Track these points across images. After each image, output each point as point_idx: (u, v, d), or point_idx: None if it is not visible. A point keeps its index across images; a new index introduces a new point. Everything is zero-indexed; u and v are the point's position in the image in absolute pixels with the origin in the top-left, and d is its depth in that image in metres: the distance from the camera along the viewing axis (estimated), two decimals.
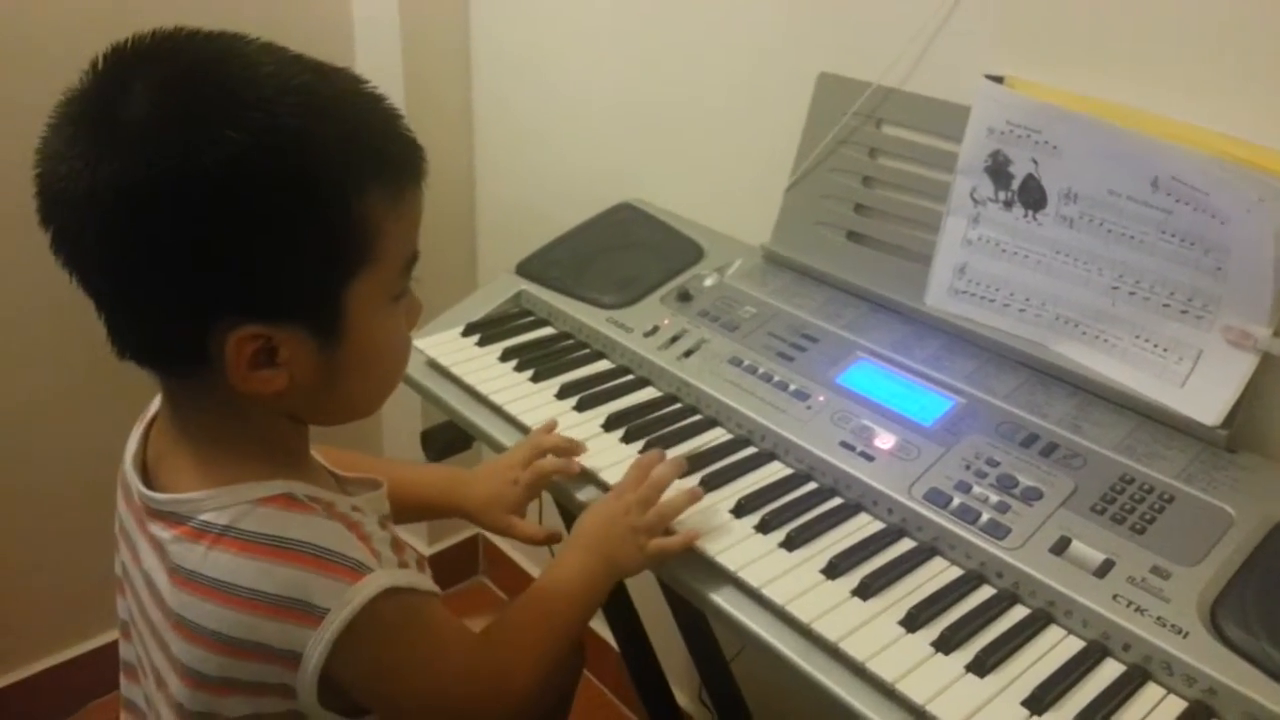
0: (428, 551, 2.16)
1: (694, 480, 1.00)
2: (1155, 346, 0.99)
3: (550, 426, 1.08)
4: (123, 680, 0.88)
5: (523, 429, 1.11)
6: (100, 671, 1.84)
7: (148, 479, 0.79)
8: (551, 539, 1.04)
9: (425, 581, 0.80)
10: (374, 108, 0.73)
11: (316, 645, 0.71)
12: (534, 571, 2.14)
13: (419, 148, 0.75)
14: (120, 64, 0.68)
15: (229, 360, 0.70)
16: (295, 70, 0.69)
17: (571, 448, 1.05)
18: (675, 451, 1.04)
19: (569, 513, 1.09)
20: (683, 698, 1.71)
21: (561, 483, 1.05)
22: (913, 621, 0.83)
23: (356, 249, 0.71)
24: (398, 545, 0.82)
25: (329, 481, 0.85)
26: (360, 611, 0.72)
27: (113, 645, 0.89)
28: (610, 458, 1.05)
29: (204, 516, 0.73)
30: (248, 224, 0.67)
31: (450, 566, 2.20)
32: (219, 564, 0.72)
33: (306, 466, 0.83)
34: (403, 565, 0.80)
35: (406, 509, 1.03)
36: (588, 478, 1.04)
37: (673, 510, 0.94)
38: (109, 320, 0.72)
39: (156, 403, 0.83)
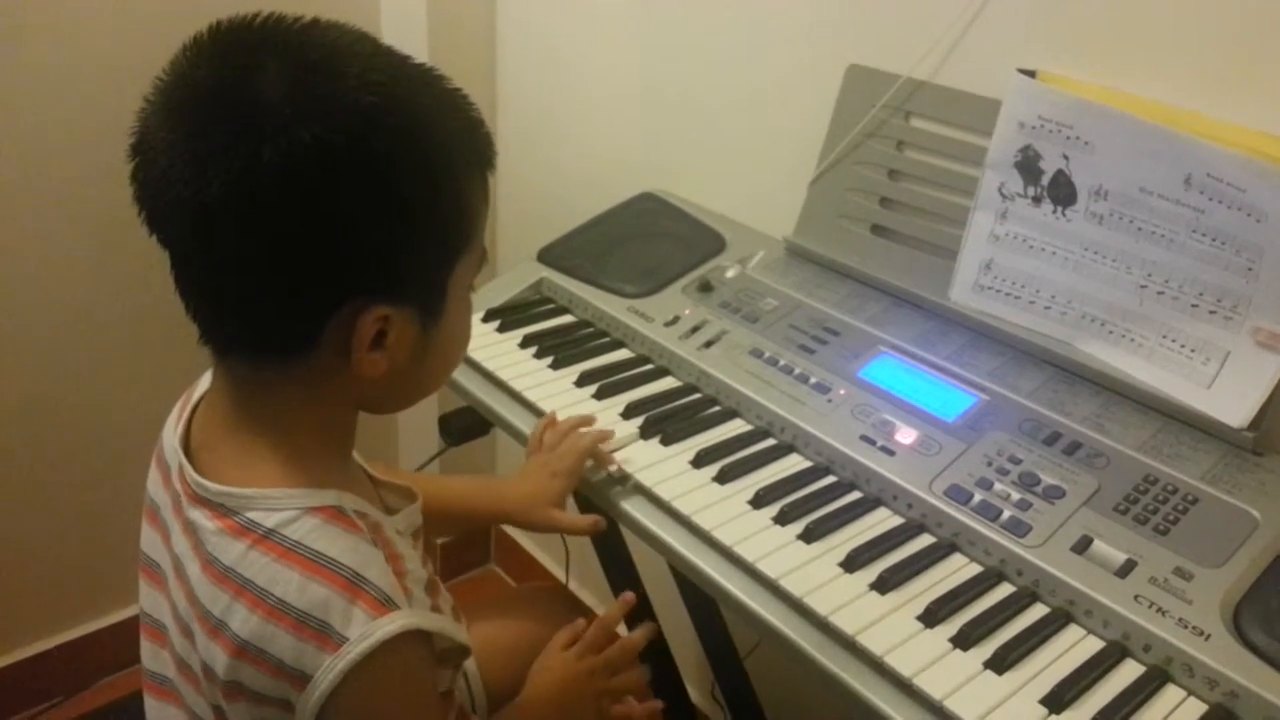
0: (439, 540, 2.16)
1: (714, 472, 0.99)
2: (1182, 347, 0.98)
3: (549, 422, 1.08)
4: (147, 699, 0.87)
5: (542, 416, 1.11)
6: (115, 647, 1.86)
7: (192, 464, 0.78)
8: (596, 527, 1.03)
9: (459, 633, 0.79)
10: (466, 100, 0.74)
11: (329, 672, 0.70)
12: (544, 560, 2.14)
13: (493, 140, 0.77)
14: (240, 48, 0.67)
15: (357, 340, 0.70)
16: (403, 61, 0.71)
17: (603, 437, 1.05)
18: (695, 441, 1.04)
19: (584, 498, 1.08)
20: (695, 693, 1.70)
21: (590, 477, 1.04)
22: (931, 617, 0.82)
23: (463, 234, 0.74)
24: (434, 588, 0.81)
25: (367, 486, 0.84)
26: (378, 647, 0.70)
27: (129, 621, 0.88)
28: (629, 448, 1.04)
29: (251, 514, 0.72)
30: (389, 204, 0.68)
31: (462, 555, 2.20)
32: (255, 566, 0.71)
33: (352, 465, 0.82)
34: (435, 609, 0.79)
35: (445, 520, 1.03)
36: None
37: (637, 685, 0.95)
38: (205, 307, 0.72)
39: (201, 386, 0.82)
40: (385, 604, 0.72)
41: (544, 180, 1.83)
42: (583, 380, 1.15)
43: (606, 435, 1.05)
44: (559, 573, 1.97)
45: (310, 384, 0.73)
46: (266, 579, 0.71)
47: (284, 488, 0.73)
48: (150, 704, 0.86)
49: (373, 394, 0.78)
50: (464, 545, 2.20)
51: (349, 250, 0.68)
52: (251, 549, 0.71)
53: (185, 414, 0.81)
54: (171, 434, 0.81)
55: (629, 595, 1.02)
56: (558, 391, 1.13)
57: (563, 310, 1.30)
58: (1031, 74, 1.05)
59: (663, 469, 1.01)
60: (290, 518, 0.72)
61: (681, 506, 0.95)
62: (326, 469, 0.76)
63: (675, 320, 1.20)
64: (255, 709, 0.74)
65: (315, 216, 0.66)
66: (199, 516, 0.74)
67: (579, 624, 0.99)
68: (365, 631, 0.70)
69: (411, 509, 0.86)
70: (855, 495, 0.97)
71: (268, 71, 0.65)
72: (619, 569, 1.36)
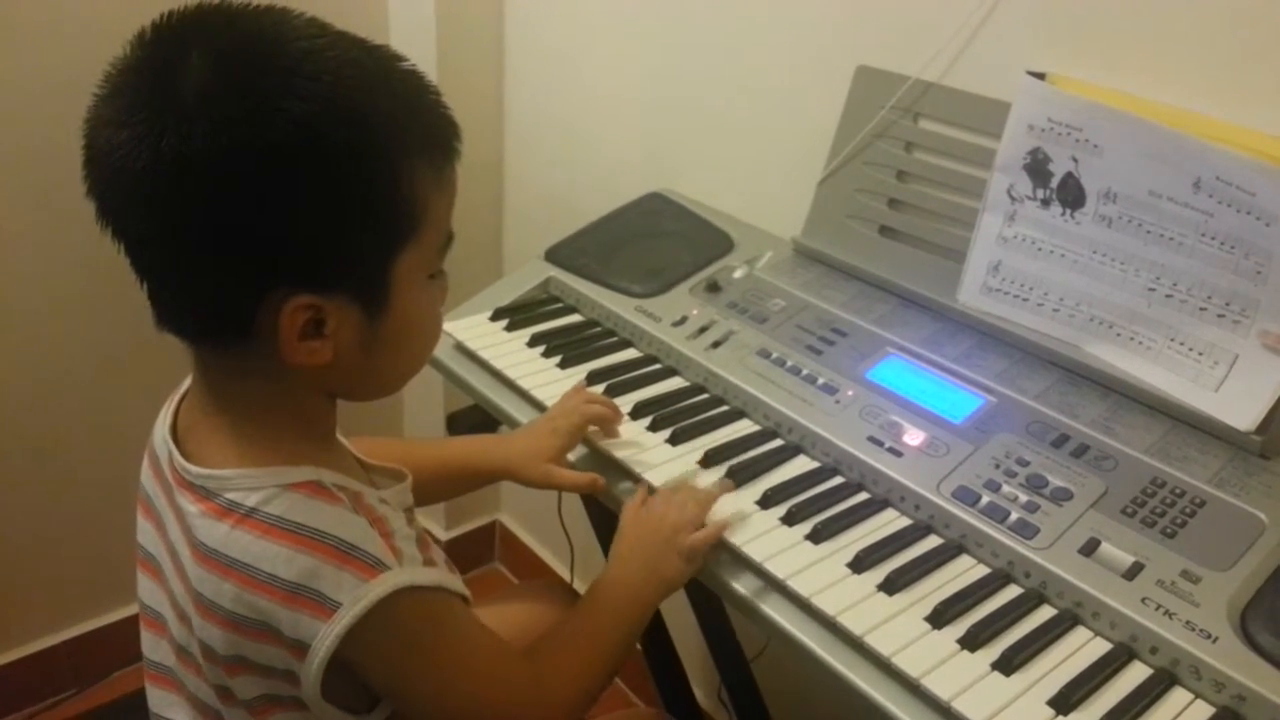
0: (444, 538, 2.17)
1: (721, 472, 1.00)
2: (1190, 350, 0.98)
3: (581, 388, 1.10)
4: (148, 687, 0.87)
5: None
6: (127, 641, 1.86)
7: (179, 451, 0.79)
8: (594, 485, 1.02)
9: (454, 583, 0.79)
10: (418, 84, 0.74)
11: (325, 639, 0.71)
12: (549, 558, 2.14)
13: (457, 125, 0.76)
14: (173, 35, 0.68)
15: (281, 331, 0.70)
16: (347, 44, 0.70)
17: (614, 417, 1.06)
18: (701, 441, 1.05)
19: (596, 502, 1.09)
20: (701, 695, 1.70)
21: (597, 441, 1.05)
22: (939, 618, 0.83)
23: (405, 222, 0.72)
24: (423, 543, 0.81)
25: (355, 468, 0.85)
26: (373, 608, 0.71)
27: (137, 617, 0.89)
28: (636, 445, 1.05)
29: (231, 495, 0.73)
30: (308, 194, 0.67)
31: (466, 553, 2.20)
32: (240, 544, 0.72)
33: (334, 448, 0.83)
34: (428, 563, 0.79)
35: (445, 480, 1.04)
36: (615, 467, 1.04)
37: (709, 499, 0.94)
38: (154, 291, 0.73)
39: (188, 381, 0.83)
40: (375, 566, 0.73)
41: (552, 180, 1.83)
42: (590, 379, 1.15)
43: (617, 417, 1.06)
44: (563, 571, 1.98)
45: (270, 369, 0.74)
46: (253, 556, 0.72)
47: (260, 467, 0.74)
48: (152, 693, 0.87)
49: (333, 382, 0.78)
50: (467, 543, 2.21)
51: (259, 241, 0.68)
52: (235, 529, 0.73)
53: (174, 404, 0.83)
54: (161, 424, 0.82)
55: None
56: (566, 390, 1.13)
57: (570, 309, 1.30)
58: (1041, 76, 1.05)
59: (670, 469, 1.01)
60: (270, 495, 0.73)
61: None
62: (302, 448, 0.77)
63: (683, 320, 1.21)
64: (263, 680, 0.75)
65: (217, 208, 0.66)
66: (184, 501, 0.76)
67: (645, 489, 0.99)
68: (357, 595, 0.71)
69: (401, 487, 0.87)
70: (863, 496, 0.97)
71: (189, 62, 0.66)
72: None
